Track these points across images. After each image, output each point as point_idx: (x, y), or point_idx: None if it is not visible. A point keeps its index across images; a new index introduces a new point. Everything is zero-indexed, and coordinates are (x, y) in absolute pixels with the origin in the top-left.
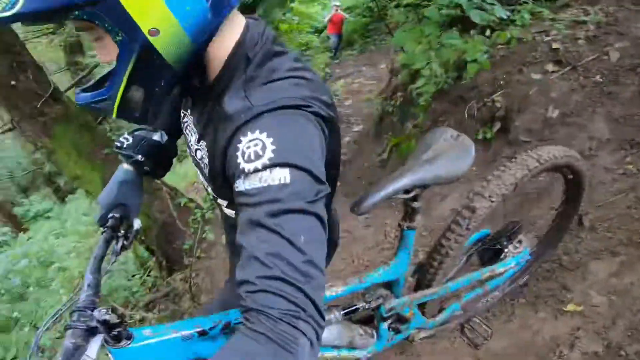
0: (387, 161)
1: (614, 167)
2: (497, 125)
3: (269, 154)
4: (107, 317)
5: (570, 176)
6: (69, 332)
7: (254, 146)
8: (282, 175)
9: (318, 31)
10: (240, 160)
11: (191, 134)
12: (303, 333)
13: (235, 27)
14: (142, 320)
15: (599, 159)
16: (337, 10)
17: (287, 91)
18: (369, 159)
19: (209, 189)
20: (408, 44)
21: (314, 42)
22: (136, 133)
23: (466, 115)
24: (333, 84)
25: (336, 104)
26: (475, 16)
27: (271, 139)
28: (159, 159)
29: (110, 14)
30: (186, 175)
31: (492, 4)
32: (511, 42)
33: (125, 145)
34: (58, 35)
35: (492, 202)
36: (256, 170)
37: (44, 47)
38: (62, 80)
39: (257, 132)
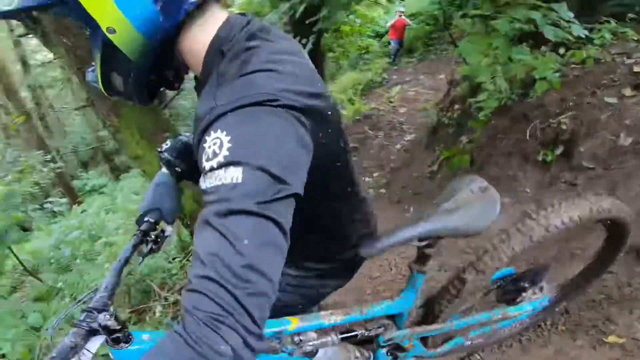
0: (436, 173)
1: None
2: (560, 149)
3: (224, 152)
4: (109, 322)
5: (613, 229)
6: (73, 330)
7: (214, 145)
8: (234, 175)
9: (379, 35)
10: (202, 159)
11: None
12: (224, 340)
13: (211, 23)
14: (175, 303)
15: None
16: (400, 15)
17: (253, 87)
18: (419, 169)
19: None
20: (473, 55)
21: (374, 46)
22: (178, 138)
23: (528, 135)
24: (389, 90)
25: (390, 110)
26: (549, 33)
27: (229, 137)
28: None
29: (75, 13)
30: None
31: (570, 22)
32: (586, 62)
33: (164, 149)
34: None
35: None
36: (212, 169)
37: None
38: None
39: (219, 131)
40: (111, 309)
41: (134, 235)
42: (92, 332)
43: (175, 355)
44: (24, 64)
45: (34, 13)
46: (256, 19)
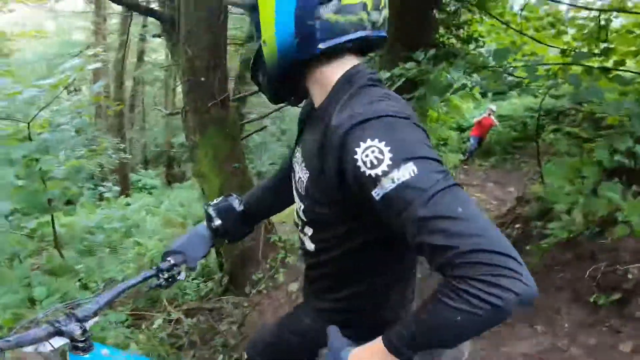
0: None
1: None
2: (617, 295)
3: (387, 155)
4: (75, 333)
5: None
6: (44, 325)
7: (371, 153)
8: (409, 170)
9: (461, 129)
10: (361, 170)
11: (298, 163)
12: (506, 288)
13: (342, 67)
14: (177, 322)
15: None
16: (490, 114)
17: (387, 106)
18: None
19: (301, 213)
20: (557, 178)
21: (453, 139)
22: (226, 198)
23: (587, 275)
24: None
25: None
26: None
27: (383, 142)
28: (233, 225)
29: (255, 21)
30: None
31: None
32: None
33: (211, 204)
34: (243, 49)
35: None
36: (383, 174)
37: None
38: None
39: (368, 140)
40: (87, 323)
41: (152, 267)
42: (59, 333)
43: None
44: (139, 59)
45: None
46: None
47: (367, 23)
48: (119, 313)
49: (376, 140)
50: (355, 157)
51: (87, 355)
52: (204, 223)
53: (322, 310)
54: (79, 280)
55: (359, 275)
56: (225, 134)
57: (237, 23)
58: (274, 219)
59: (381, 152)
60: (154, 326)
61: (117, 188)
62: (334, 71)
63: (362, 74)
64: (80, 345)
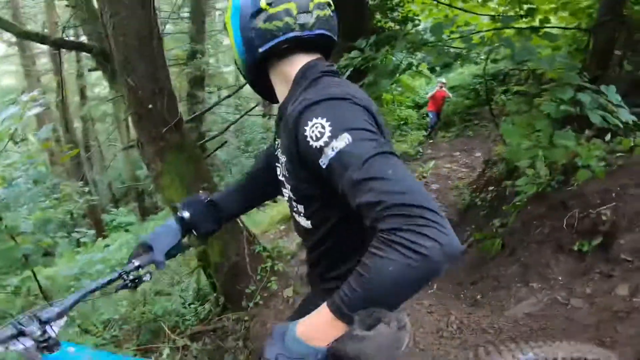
0: (464, 254)
1: None
2: (598, 240)
3: (327, 128)
4: (35, 334)
5: None
6: (9, 324)
7: (315, 129)
8: (344, 139)
9: (418, 106)
10: (309, 143)
11: (279, 151)
12: (429, 236)
13: (296, 63)
14: (185, 347)
15: None
16: (441, 87)
17: (334, 89)
18: None
19: (290, 194)
20: (514, 137)
21: (413, 117)
22: (196, 195)
23: (565, 224)
24: (423, 165)
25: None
26: (595, 117)
27: (324, 118)
28: (200, 216)
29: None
30: (261, 223)
31: (619, 106)
32: (635, 151)
33: (178, 203)
34: (187, 67)
35: None
36: (325, 144)
37: (174, 75)
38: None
39: (314, 119)
40: (52, 325)
41: (114, 270)
42: (21, 334)
43: (389, 261)
44: (82, 96)
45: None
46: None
47: (294, 25)
48: (126, 351)
49: (319, 117)
50: (305, 134)
51: (53, 354)
52: (171, 218)
53: (329, 290)
54: (78, 326)
55: (354, 248)
56: (187, 157)
57: (176, 42)
58: (256, 230)
59: (323, 127)
60: (163, 357)
61: (92, 231)
62: (288, 70)
63: (316, 68)
64: (43, 344)
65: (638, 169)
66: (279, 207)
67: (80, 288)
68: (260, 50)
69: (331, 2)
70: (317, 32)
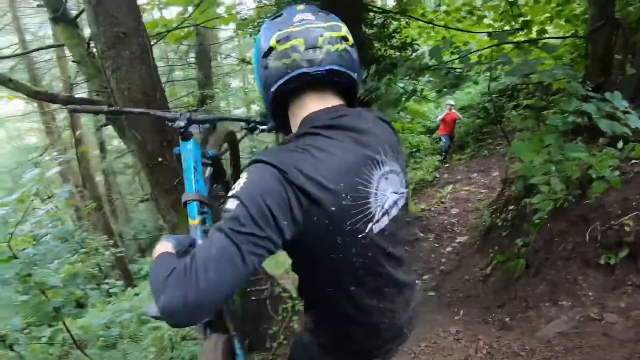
0: (490, 277)
1: None
2: (625, 251)
3: (237, 186)
4: (182, 124)
5: None
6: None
7: (239, 179)
8: (232, 204)
9: (430, 131)
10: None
11: None
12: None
13: (304, 108)
14: None
15: None
16: (450, 109)
17: (280, 155)
18: (470, 272)
19: None
20: (525, 153)
21: (425, 142)
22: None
23: (587, 238)
24: (440, 190)
25: (442, 211)
26: (605, 126)
27: (245, 178)
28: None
29: None
30: (284, 263)
31: (627, 112)
32: None
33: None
34: (199, 114)
35: None
36: (231, 196)
37: None
38: None
39: (245, 172)
40: (194, 125)
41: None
42: (172, 120)
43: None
44: (102, 149)
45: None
46: (345, 114)
47: (302, 62)
48: None
49: (246, 174)
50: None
51: (184, 142)
52: None
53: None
54: None
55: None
56: None
57: (185, 89)
58: (279, 269)
59: (239, 182)
60: None
61: (121, 282)
62: (298, 113)
63: (312, 122)
64: (184, 133)
65: None
66: None
67: (109, 336)
68: (272, 89)
69: (348, 37)
70: (327, 67)
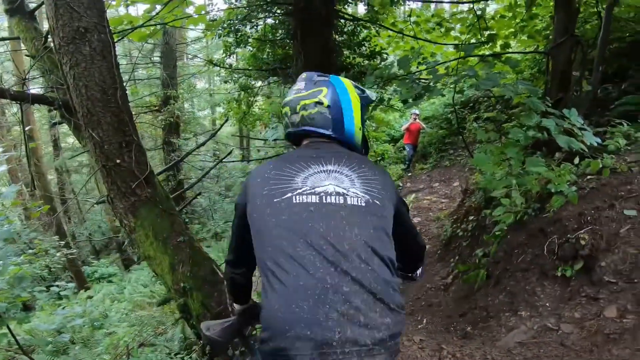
0: (451, 286)
1: None
2: (580, 264)
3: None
4: None
5: None
6: None
7: None
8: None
9: (394, 140)
10: None
11: None
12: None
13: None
14: None
15: None
16: (415, 119)
17: (254, 169)
18: (432, 281)
19: None
20: (487, 166)
21: (389, 151)
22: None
23: (545, 250)
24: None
25: None
26: (563, 142)
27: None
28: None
29: None
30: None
31: (583, 129)
32: (603, 172)
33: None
34: (161, 114)
35: None
36: None
37: (148, 123)
38: (155, 158)
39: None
40: None
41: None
42: None
43: None
44: (55, 146)
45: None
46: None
47: (289, 124)
48: None
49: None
50: None
51: None
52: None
53: None
54: None
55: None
56: (160, 211)
57: (147, 89)
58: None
59: None
60: None
61: (72, 285)
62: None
63: (297, 149)
64: None
65: (609, 191)
66: None
67: (59, 342)
68: (286, 136)
69: (323, 100)
70: (302, 128)
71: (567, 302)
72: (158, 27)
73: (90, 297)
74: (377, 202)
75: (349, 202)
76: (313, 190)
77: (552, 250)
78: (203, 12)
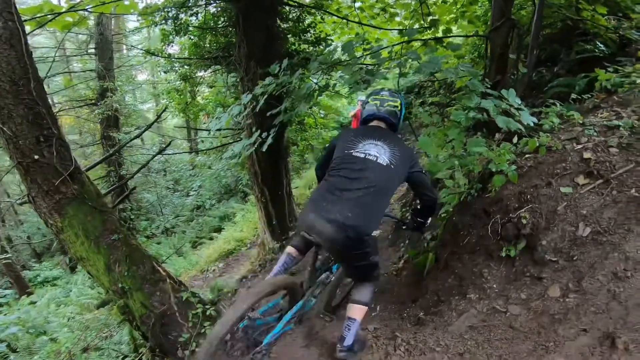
0: (402, 270)
1: None
2: (522, 243)
3: None
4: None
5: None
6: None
7: None
8: None
9: (343, 126)
10: None
11: None
12: None
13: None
14: None
15: (635, 281)
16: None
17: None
18: (384, 266)
19: None
20: (431, 149)
21: None
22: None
23: (489, 231)
24: None
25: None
26: (502, 122)
27: None
28: None
29: None
30: (197, 264)
31: (520, 109)
32: (539, 150)
33: None
34: (98, 107)
35: None
36: None
37: (84, 118)
38: (96, 153)
39: None
40: None
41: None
42: None
43: None
44: None
45: None
46: (375, 127)
47: (370, 109)
48: None
49: None
50: None
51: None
52: None
53: None
54: None
55: None
56: (90, 209)
57: (81, 81)
58: (193, 271)
59: None
60: None
61: (10, 291)
62: None
63: (366, 126)
64: None
65: (546, 168)
66: (214, 245)
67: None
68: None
69: (398, 106)
70: (381, 114)
71: (512, 283)
72: (84, 15)
73: (33, 303)
74: (392, 166)
75: (377, 162)
76: (363, 152)
77: (495, 231)
78: None
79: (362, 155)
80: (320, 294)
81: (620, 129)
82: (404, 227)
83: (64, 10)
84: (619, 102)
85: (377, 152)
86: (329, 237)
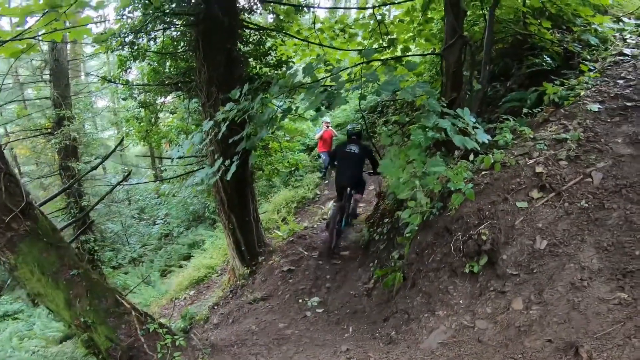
0: (372, 290)
1: (608, 297)
2: (484, 259)
3: None
4: None
5: None
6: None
7: None
8: None
9: (310, 148)
10: None
11: None
12: None
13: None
14: None
15: (592, 290)
16: (327, 127)
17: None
18: (355, 287)
19: None
20: (392, 172)
21: (305, 160)
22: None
23: (452, 248)
24: (322, 207)
25: (324, 228)
26: (459, 141)
27: None
28: None
29: None
30: (167, 292)
31: (475, 127)
32: (495, 167)
33: None
34: (55, 137)
35: None
36: None
37: (42, 147)
38: (54, 185)
39: None
40: None
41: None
42: None
43: None
44: None
45: None
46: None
47: (349, 130)
48: None
49: None
50: None
51: None
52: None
53: None
54: None
55: None
56: (45, 245)
57: (36, 109)
58: (162, 299)
59: None
60: None
61: None
62: None
63: (350, 140)
64: None
65: (502, 184)
66: (184, 273)
67: None
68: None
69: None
70: (354, 135)
71: (478, 298)
72: (33, 41)
73: None
74: (361, 155)
75: (354, 153)
76: (349, 151)
77: (458, 248)
78: (87, 24)
79: (349, 151)
80: (347, 208)
81: (568, 141)
82: (370, 174)
83: (9, 38)
84: (565, 115)
85: (354, 149)
86: (349, 183)
